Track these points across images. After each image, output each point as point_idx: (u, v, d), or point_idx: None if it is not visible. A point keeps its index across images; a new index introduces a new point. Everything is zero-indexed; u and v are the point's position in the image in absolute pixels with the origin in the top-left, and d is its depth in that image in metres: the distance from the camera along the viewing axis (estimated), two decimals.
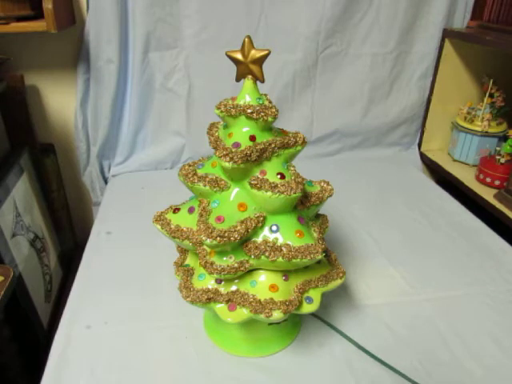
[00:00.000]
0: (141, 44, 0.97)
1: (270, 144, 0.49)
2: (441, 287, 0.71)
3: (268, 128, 0.51)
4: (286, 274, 0.51)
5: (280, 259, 0.47)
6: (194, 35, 0.99)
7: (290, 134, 0.52)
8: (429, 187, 1.05)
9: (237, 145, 0.48)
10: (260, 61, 0.48)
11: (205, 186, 0.51)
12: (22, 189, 0.90)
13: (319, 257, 0.48)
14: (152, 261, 0.75)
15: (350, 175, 1.09)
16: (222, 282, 0.51)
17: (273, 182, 0.48)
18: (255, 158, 0.48)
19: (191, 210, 0.53)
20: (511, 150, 0.97)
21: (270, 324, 0.56)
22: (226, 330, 0.58)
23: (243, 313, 0.50)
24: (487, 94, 1.06)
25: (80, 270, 0.74)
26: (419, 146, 1.22)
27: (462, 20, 1.08)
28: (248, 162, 0.48)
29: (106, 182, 1.11)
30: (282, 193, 0.47)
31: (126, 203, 0.96)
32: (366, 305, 0.67)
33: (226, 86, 0.94)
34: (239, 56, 0.48)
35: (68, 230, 1.15)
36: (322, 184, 0.56)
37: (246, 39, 0.48)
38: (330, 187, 0.56)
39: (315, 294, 0.53)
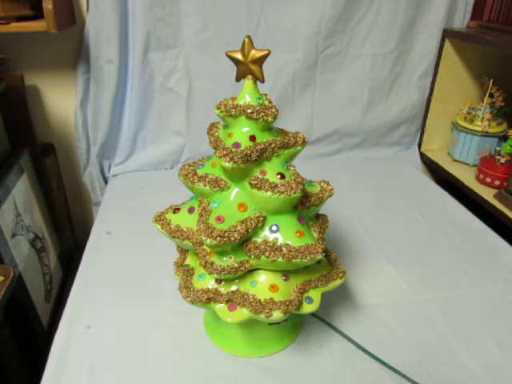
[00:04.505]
0: (141, 44, 0.97)
1: (270, 144, 0.49)
2: (441, 287, 0.71)
3: (268, 128, 0.51)
4: (286, 274, 0.51)
5: (280, 259, 0.47)
6: (194, 35, 0.99)
7: (290, 134, 0.52)
8: (429, 187, 1.05)
9: (237, 145, 0.48)
10: (260, 61, 0.48)
11: (205, 186, 0.51)
12: (21, 189, 0.90)
13: (319, 257, 0.48)
14: (152, 261, 0.75)
15: (350, 175, 1.09)
16: (222, 282, 0.51)
17: (273, 182, 0.48)
18: (255, 157, 0.48)
19: (191, 210, 0.53)
20: (511, 150, 0.97)
21: (270, 324, 0.56)
22: (225, 329, 0.58)
23: (243, 313, 0.50)
24: (487, 94, 1.06)
25: (80, 270, 0.74)
26: (419, 146, 1.22)
27: (462, 20, 1.08)
28: (248, 162, 0.48)
29: (106, 182, 1.11)
30: (282, 193, 0.47)
31: (126, 203, 0.96)
32: (365, 305, 0.67)
33: (226, 86, 0.94)
34: (239, 56, 0.48)
35: (68, 229, 1.15)
36: (322, 184, 0.56)
37: (246, 39, 0.48)
38: (330, 187, 0.56)
39: (315, 294, 0.53)
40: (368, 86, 1.12)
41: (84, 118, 1.04)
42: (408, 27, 1.06)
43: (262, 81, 0.50)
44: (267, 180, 0.48)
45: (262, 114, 0.48)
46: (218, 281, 0.51)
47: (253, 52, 0.48)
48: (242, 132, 0.49)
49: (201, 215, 0.49)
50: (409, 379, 0.54)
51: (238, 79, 0.51)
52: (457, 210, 0.94)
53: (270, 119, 0.48)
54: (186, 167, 0.53)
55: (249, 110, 0.48)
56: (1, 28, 0.81)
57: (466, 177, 1.06)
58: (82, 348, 0.59)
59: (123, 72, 1.00)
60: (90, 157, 1.08)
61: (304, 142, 0.53)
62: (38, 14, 0.83)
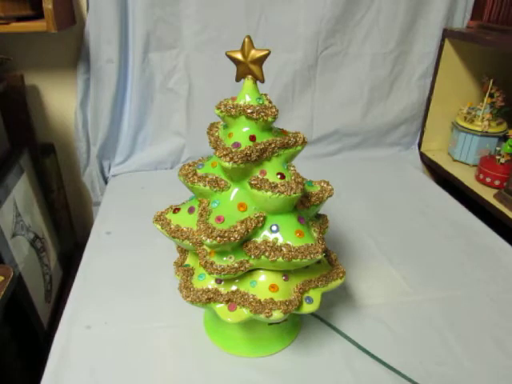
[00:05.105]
0: (141, 44, 0.97)
1: (270, 144, 0.49)
2: (441, 287, 0.71)
3: (268, 128, 0.51)
4: (286, 274, 0.51)
5: (280, 259, 0.47)
6: (194, 35, 0.99)
7: (290, 134, 0.52)
8: (429, 187, 1.05)
9: (237, 145, 0.48)
10: (260, 61, 0.48)
11: (205, 186, 0.51)
12: (22, 189, 0.90)
13: (319, 257, 0.48)
14: (152, 261, 0.75)
15: (350, 175, 1.09)
16: (222, 282, 0.51)
17: (273, 182, 0.48)
18: (255, 157, 0.48)
19: (191, 210, 0.53)
20: (511, 150, 0.97)
21: (270, 324, 0.56)
22: (226, 329, 0.58)
23: (243, 313, 0.50)
24: (487, 94, 1.06)
25: (80, 270, 0.74)
26: (419, 146, 1.22)
27: (462, 20, 1.08)
28: (248, 162, 0.48)
29: (106, 182, 1.11)
30: (282, 193, 0.47)
31: (126, 203, 0.96)
32: (366, 305, 0.67)
33: (226, 86, 0.94)
34: (239, 56, 0.48)
35: (68, 230, 1.15)
36: (322, 184, 0.56)
37: (246, 39, 0.48)
38: (330, 187, 0.56)
39: (315, 294, 0.53)
40: (368, 86, 1.12)
41: (84, 118, 1.04)
42: (408, 27, 1.06)
43: (262, 81, 0.50)
44: (267, 180, 0.48)
45: (262, 113, 0.48)
46: (218, 281, 0.51)
47: (253, 52, 0.48)
48: (242, 132, 0.49)
49: (201, 215, 0.49)
50: (409, 379, 0.54)
51: (237, 79, 0.51)
52: (457, 210, 0.94)
53: (269, 119, 0.48)
54: (186, 167, 0.53)
55: (249, 110, 0.48)
56: (1, 28, 0.81)
57: (466, 177, 1.06)
58: (82, 348, 0.59)
59: (123, 72, 1.00)
60: (89, 157, 1.08)
61: (304, 142, 0.53)
62: (38, 14, 0.83)
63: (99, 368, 0.56)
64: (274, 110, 0.49)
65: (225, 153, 0.47)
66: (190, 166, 0.54)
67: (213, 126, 0.55)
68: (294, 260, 0.47)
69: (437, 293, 0.70)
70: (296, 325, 0.62)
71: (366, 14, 1.03)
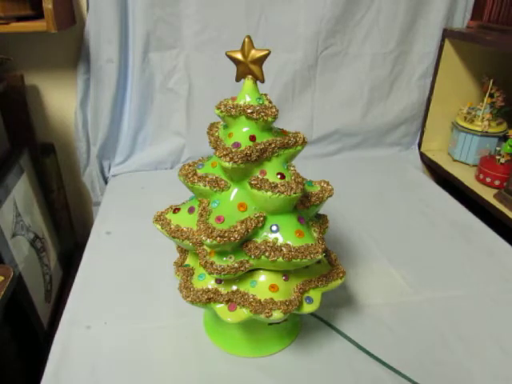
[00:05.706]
0: (141, 44, 0.97)
1: (270, 144, 0.49)
2: (441, 287, 0.71)
3: (268, 128, 0.51)
4: (286, 274, 0.51)
5: (280, 259, 0.47)
6: (194, 35, 0.99)
7: (290, 134, 0.52)
8: (429, 187, 1.05)
9: (237, 145, 0.48)
10: (260, 61, 0.48)
11: (205, 186, 0.51)
12: (22, 189, 0.90)
13: (319, 257, 0.48)
14: (152, 261, 0.75)
15: (350, 175, 1.09)
16: (222, 282, 0.51)
17: (273, 182, 0.48)
18: (255, 157, 0.48)
19: (191, 210, 0.53)
20: (511, 150, 0.97)
21: (270, 324, 0.56)
22: (226, 329, 0.58)
23: (243, 313, 0.50)
24: (487, 94, 1.06)
25: (80, 270, 0.74)
26: (419, 145, 1.22)
27: (462, 20, 1.08)
28: (248, 162, 0.48)
29: (106, 182, 1.11)
30: (282, 193, 0.47)
31: (126, 203, 0.96)
32: (366, 305, 0.67)
33: (226, 86, 0.94)
34: (239, 56, 0.48)
35: (68, 229, 1.15)
36: (322, 184, 0.56)
37: (246, 39, 0.48)
38: (330, 187, 0.56)
39: (315, 294, 0.53)
40: (368, 86, 1.12)
41: (84, 118, 1.04)
42: (408, 27, 1.06)
43: (262, 81, 0.50)
44: (267, 180, 0.48)
45: (262, 113, 0.48)
46: (218, 281, 0.51)
47: (253, 52, 0.48)
48: (242, 132, 0.49)
49: (201, 215, 0.49)
50: (409, 379, 0.54)
51: (237, 79, 0.50)
52: (457, 210, 0.94)
53: (270, 119, 0.48)
54: (186, 167, 0.53)
55: (249, 110, 0.48)
56: (1, 28, 0.81)
57: (466, 177, 1.06)
58: (82, 348, 0.59)
59: (123, 72, 1.00)
60: (89, 157, 1.08)
61: (304, 142, 0.53)
62: (38, 14, 0.83)
63: (99, 368, 0.56)
64: (274, 110, 0.49)
65: (225, 153, 0.47)
66: (190, 166, 0.54)
67: (213, 126, 0.55)
68: (294, 260, 0.47)
69: (437, 293, 0.70)
70: (296, 325, 0.62)
71: (366, 14, 1.03)
